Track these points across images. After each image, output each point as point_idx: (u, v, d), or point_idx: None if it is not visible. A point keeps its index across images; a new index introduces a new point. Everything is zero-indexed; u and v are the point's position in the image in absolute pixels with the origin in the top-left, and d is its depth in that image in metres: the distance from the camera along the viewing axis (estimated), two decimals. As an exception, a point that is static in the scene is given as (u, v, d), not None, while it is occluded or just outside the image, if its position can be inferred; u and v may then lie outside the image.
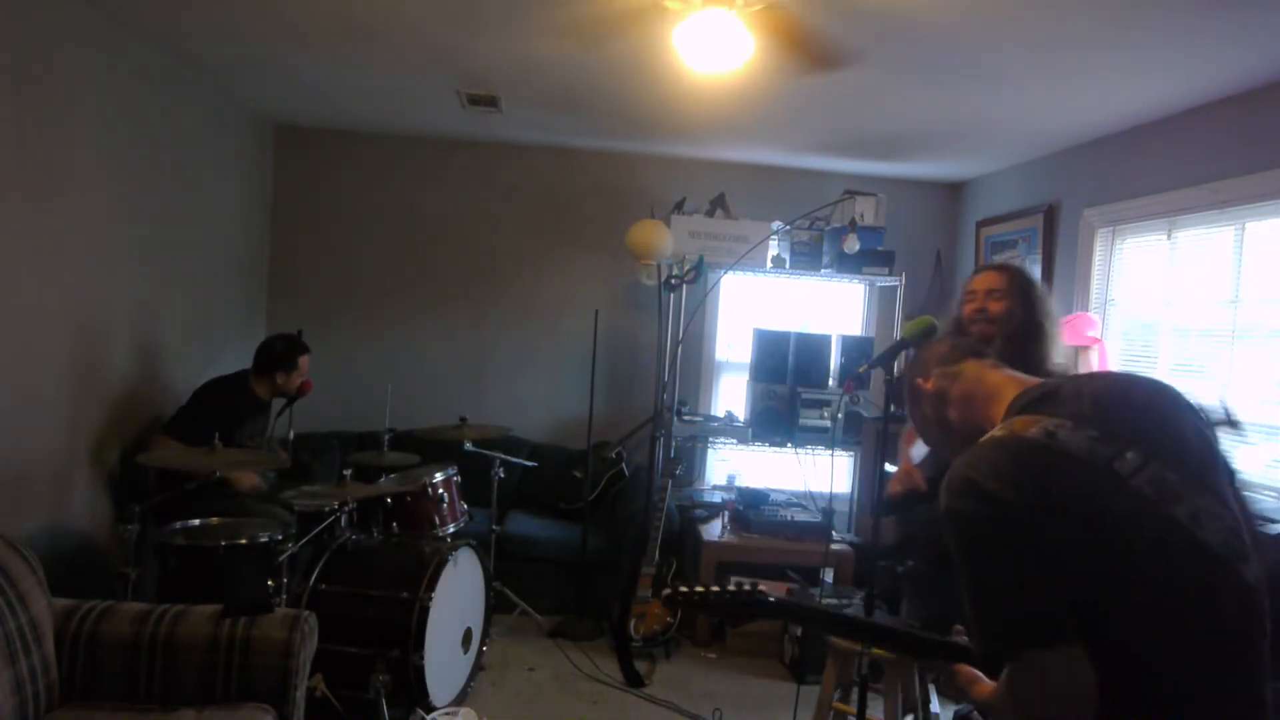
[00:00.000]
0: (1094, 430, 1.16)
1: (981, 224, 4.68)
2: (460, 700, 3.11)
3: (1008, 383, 1.36)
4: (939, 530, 2.27)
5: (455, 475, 3.61)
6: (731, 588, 1.42)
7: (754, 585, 1.43)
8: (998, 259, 4.49)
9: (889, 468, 2.64)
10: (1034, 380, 1.35)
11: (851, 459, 4.66)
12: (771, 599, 1.43)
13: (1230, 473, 1.25)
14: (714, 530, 4.17)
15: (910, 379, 1.51)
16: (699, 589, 1.41)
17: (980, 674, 1.31)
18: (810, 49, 2.84)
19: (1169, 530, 1.11)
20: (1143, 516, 1.12)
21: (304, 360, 3.55)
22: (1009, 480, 1.13)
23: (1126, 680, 1.09)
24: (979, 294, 2.34)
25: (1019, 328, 2.21)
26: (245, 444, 3.44)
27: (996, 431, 1.23)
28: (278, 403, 3.55)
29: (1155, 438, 1.18)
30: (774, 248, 4.54)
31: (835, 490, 3.91)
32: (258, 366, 3.51)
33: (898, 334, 4.49)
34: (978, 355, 1.45)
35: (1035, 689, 1.13)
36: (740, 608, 1.43)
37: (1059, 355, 2.27)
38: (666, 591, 1.43)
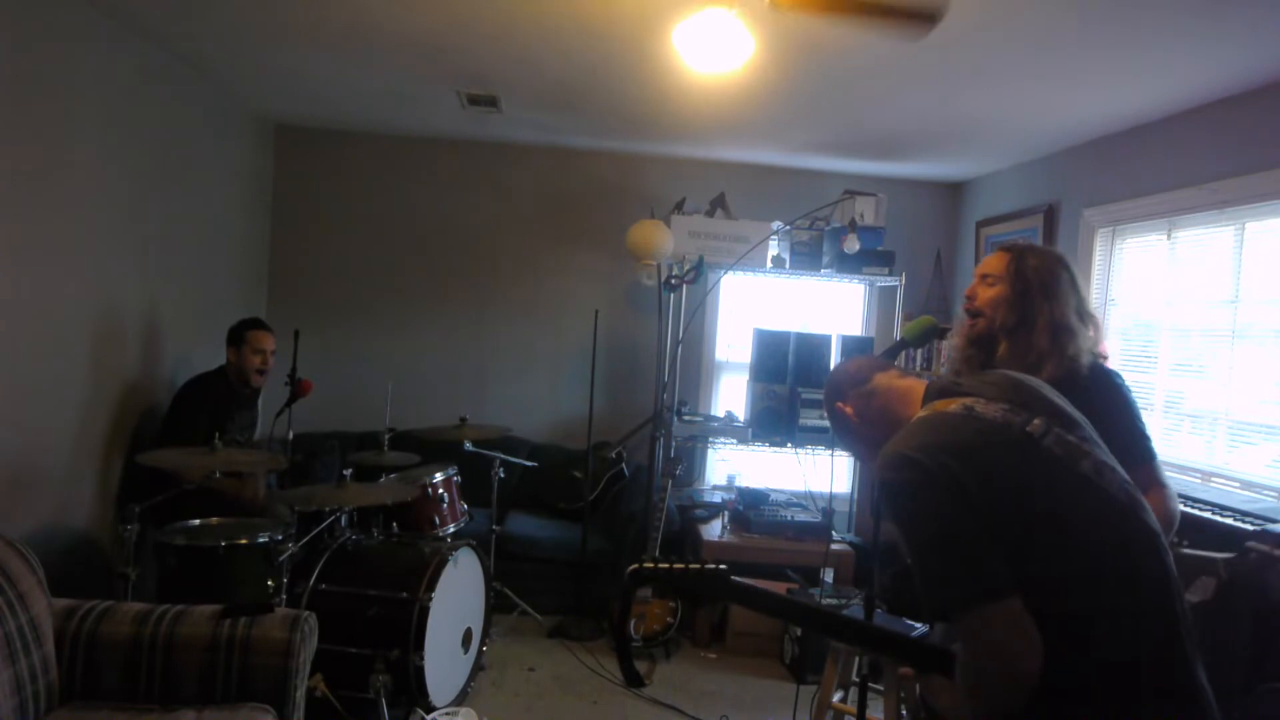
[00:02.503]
0: (1004, 404, 1.30)
1: (981, 224, 4.68)
2: (460, 700, 3.11)
3: (916, 385, 1.45)
4: None
5: (455, 475, 3.61)
6: (696, 565, 1.43)
7: (718, 565, 1.44)
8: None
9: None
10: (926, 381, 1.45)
11: (851, 459, 4.66)
12: (734, 580, 1.45)
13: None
14: (714, 530, 4.17)
15: (830, 407, 1.55)
16: (664, 564, 1.42)
17: (948, 682, 1.32)
18: (810, 48, 2.84)
19: (1081, 484, 1.23)
20: (1058, 472, 1.23)
21: (254, 335, 3.48)
22: (937, 448, 1.22)
23: (1060, 627, 1.14)
24: (975, 279, 2.02)
25: (1017, 321, 1.88)
26: (237, 439, 3.43)
27: (920, 413, 1.35)
28: (277, 403, 3.54)
29: (1051, 408, 1.33)
30: (774, 248, 4.54)
31: (835, 490, 3.90)
32: (226, 347, 3.53)
33: (898, 334, 4.49)
34: (882, 368, 1.53)
35: (986, 649, 1.15)
36: (702, 586, 1.44)
37: (1088, 352, 1.88)
38: (633, 567, 1.42)
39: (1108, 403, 1.78)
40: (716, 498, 4.60)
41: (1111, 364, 3.47)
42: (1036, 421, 1.27)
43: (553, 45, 3.05)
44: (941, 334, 2.38)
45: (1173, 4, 2.37)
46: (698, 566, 1.43)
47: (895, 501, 1.24)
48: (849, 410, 1.50)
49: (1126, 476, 1.29)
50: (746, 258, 4.34)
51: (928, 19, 2.10)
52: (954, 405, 1.30)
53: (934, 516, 1.19)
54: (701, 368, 4.97)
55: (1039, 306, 1.87)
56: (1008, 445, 1.24)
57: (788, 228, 4.53)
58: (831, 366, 4.48)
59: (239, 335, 3.49)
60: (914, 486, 1.21)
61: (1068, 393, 1.70)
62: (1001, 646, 1.13)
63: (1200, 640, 1.23)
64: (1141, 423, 1.87)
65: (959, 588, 1.16)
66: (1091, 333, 1.90)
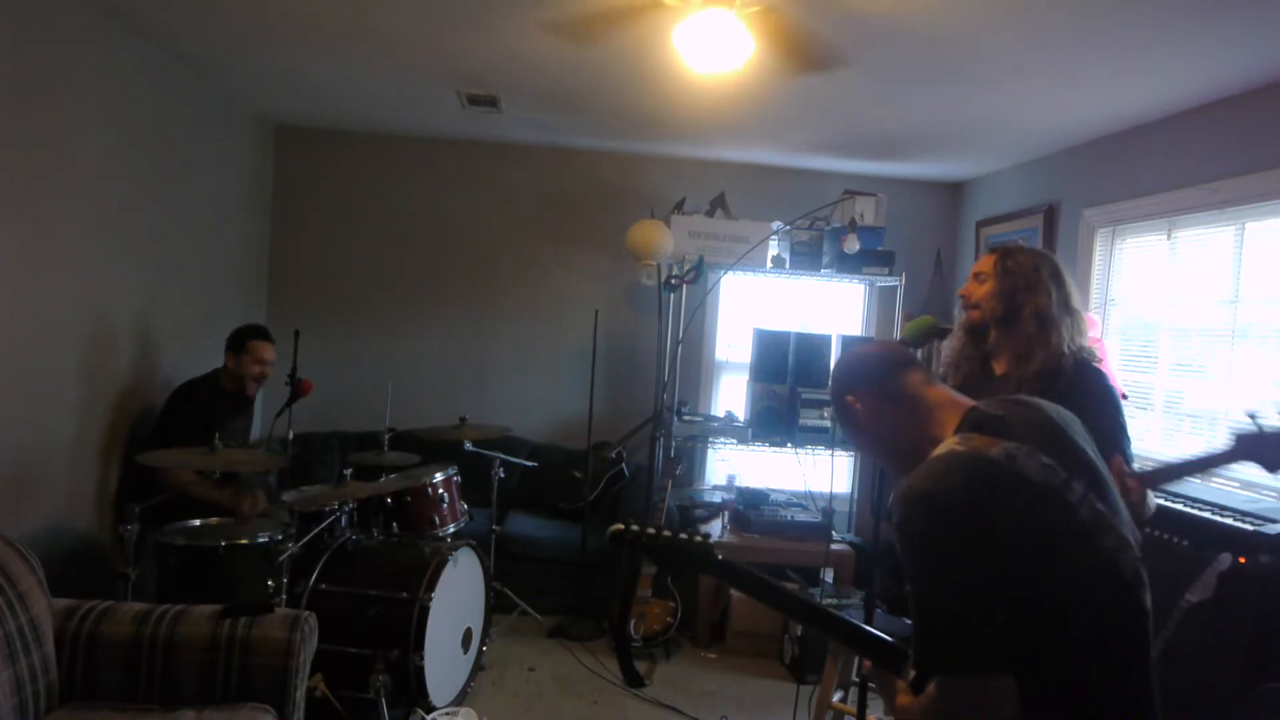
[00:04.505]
0: (1047, 457, 1.18)
1: (981, 224, 4.68)
2: (460, 700, 3.10)
3: (946, 401, 1.33)
4: None
5: (455, 475, 3.61)
6: (684, 535, 1.34)
7: (706, 537, 1.36)
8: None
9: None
10: (967, 401, 1.33)
11: (851, 459, 4.67)
12: (719, 557, 1.35)
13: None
14: (714, 530, 4.17)
15: (837, 397, 1.42)
16: (650, 530, 1.33)
17: (902, 682, 1.29)
18: (810, 49, 2.84)
19: (1100, 561, 1.16)
20: (1084, 546, 1.16)
21: (254, 345, 3.46)
22: (970, 497, 1.14)
23: (1038, 701, 1.11)
24: (969, 278, 2.25)
25: (1006, 312, 2.08)
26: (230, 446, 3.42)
27: (957, 446, 1.21)
28: (277, 403, 3.53)
29: (1088, 468, 1.22)
30: (774, 248, 4.54)
31: (835, 490, 3.90)
32: (225, 352, 3.51)
33: (898, 334, 4.48)
34: (909, 367, 1.39)
35: (966, 711, 1.12)
36: (685, 560, 1.35)
37: (1070, 342, 2.04)
38: (616, 527, 1.34)
39: (1090, 395, 1.90)
40: (716, 498, 4.60)
41: (1111, 364, 3.50)
42: (1075, 486, 1.18)
43: (553, 45, 3.05)
44: (942, 334, 2.38)
45: (1173, 4, 2.37)
46: (684, 537, 1.34)
47: (911, 546, 1.15)
48: (858, 407, 1.38)
49: (1138, 554, 1.21)
50: (746, 258, 4.34)
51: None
52: (997, 449, 1.17)
53: (949, 572, 1.12)
54: (701, 368, 4.97)
55: (1023, 299, 2.05)
56: (1042, 509, 1.15)
57: (788, 228, 4.53)
58: (832, 366, 4.47)
59: (240, 343, 3.46)
60: (935, 536, 1.13)
61: (1053, 383, 1.72)
62: (980, 717, 1.11)
63: (1200, 640, 1.23)
64: (1122, 418, 1.97)
65: (955, 651, 1.11)
66: (1075, 324, 2.06)
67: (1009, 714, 1.10)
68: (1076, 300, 2.09)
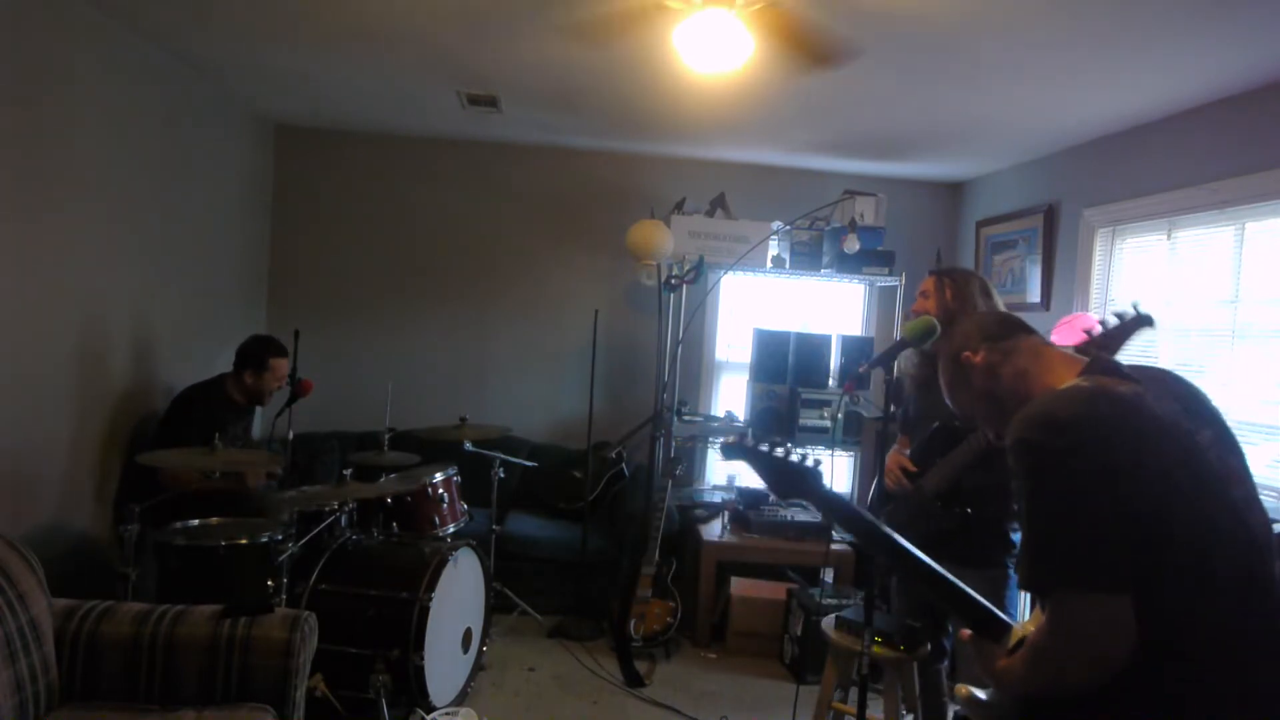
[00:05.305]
0: (1178, 404, 1.21)
1: (981, 224, 4.68)
2: (460, 700, 3.11)
3: (1065, 359, 1.36)
4: (920, 520, 2.27)
5: (455, 475, 3.61)
6: (792, 457, 1.43)
7: (817, 461, 1.43)
8: (997, 259, 4.50)
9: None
10: (1084, 358, 1.35)
11: (851, 459, 4.66)
12: (822, 485, 1.43)
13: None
14: (714, 530, 4.17)
15: (953, 352, 1.46)
16: (763, 446, 1.42)
17: (997, 648, 1.29)
18: (810, 49, 2.84)
19: (1228, 509, 1.15)
20: (1211, 488, 1.15)
21: (276, 363, 3.45)
22: (1095, 420, 1.14)
23: (1160, 645, 1.09)
24: (918, 296, 2.72)
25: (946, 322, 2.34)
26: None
27: (1081, 382, 1.23)
28: (277, 403, 3.54)
29: (1219, 425, 1.24)
30: (774, 248, 4.54)
31: (835, 490, 3.89)
32: (235, 365, 3.49)
33: (898, 334, 4.48)
34: (1029, 331, 1.44)
35: (1073, 636, 1.11)
36: (787, 479, 1.43)
37: None
38: (729, 439, 1.43)
39: None
40: (716, 498, 4.60)
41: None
42: (1206, 433, 1.19)
43: (553, 45, 3.05)
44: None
45: (1173, 4, 2.37)
46: (796, 459, 1.42)
47: (1029, 462, 1.15)
48: (978, 360, 1.41)
49: (1267, 518, 1.21)
50: (746, 258, 4.34)
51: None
52: (1125, 387, 1.19)
53: (1068, 489, 1.11)
54: (701, 368, 4.97)
55: (957, 313, 2.46)
56: (1169, 444, 1.14)
57: (788, 228, 4.53)
58: (831, 366, 4.48)
59: (262, 361, 3.44)
60: (1057, 452, 1.13)
61: None
62: (1094, 639, 1.09)
63: None
64: None
65: (1074, 567, 1.10)
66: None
67: (1126, 638, 1.08)
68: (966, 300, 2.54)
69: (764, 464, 1.42)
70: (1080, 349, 2.24)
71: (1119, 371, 1.25)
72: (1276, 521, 2.35)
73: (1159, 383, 1.25)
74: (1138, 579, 1.08)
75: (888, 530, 1.42)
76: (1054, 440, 1.13)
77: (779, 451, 1.42)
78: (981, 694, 1.39)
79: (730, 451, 1.41)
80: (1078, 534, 1.10)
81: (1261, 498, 1.27)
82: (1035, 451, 1.15)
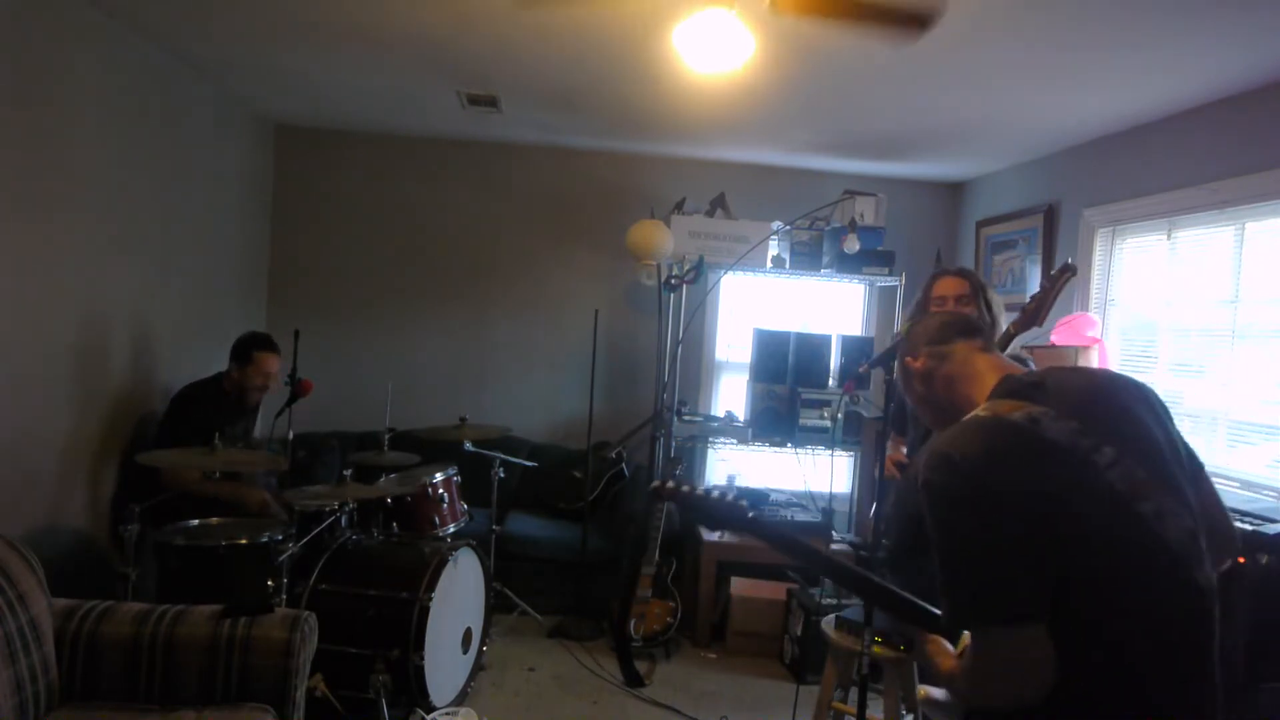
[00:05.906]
0: (1075, 422, 1.19)
1: (981, 224, 4.68)
2: (460, 700, 3.11)
3: (992, 368, 1.37)
4: (909, 507, 2.29)
5: (455, 475, 3.61)
6: (716, 494, 1.46)
7: (738, 498, 1.47)
8: (997, 259, 4.49)
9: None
10: (1018, 367, 1.37)
11: (851, 459, 4.66)
12: (750, 514, 1.48)
13: (1197, 467, 1.30)
14: (714, 530, 4.17)
15: (900, 357, 1.51)
16: (686, 487, 1.45)
17: (950, 648, 1.33)
18: (812, 47, 2.84)
19: (1134, 526, 1.15)
20: (1113, 509, 1.15)
21: (262, 357, 3.44)
22: (987, 457, 1.17)
23: (1080, 665, 1.12)
24: (949, 299, 2.57)
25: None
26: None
27: (980, 412, 1.26)
28: (277, 403, 3.53)
29: (1130, 435, 1.22)
30: (774, 248, 4.54)
31: (835, 490, 3.90)
32: (230, 359, 3.50)
33: (898, 334, 4.48)
34: (967, 335, 1.44)
35: (994, 664, 1.15)
36: (718, 515, 1.48)
37: (1011, 348, 2.55)
38: (656, 484, 1.46)
39: None
40: (716, 498, 4.59)
41: (1112, 364, 3.50)
42: (1106, 450, 1.17)
43: (553, 45, 3.05)
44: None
45: (1173, 4, 2.37)
46: (718, 495, 1.45)
47: (933, 504, 1.19)
48: (918, 366, 1.44)
49: (1193, 524, 1.19)
50: (746, 258, 4.34)
51: (921, 23, 2.16)
52: (1018, 413, 1.20)
53: (969, 529, 1.15)
54: (701, 368, 4.97)
55: (996, 316, 2.61)
56: (1065, 470, 1.16)
57: (788, 228, 4.53)
58: (831, 366, 4.49)
59: (246, 354, 3.43)
60: (954, 494, 1.16)
61: None
62: (1014, 667, 1.12)
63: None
64: None
65: (982, 604, 1.14)
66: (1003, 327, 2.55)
67: (1046, 663, 1.11)
68: (998, 309, 2.64)
69: (690, 505, 1.50)
70: (1018, 322, 2.42)
71: (1023, 391, 1.26)
72: (1276, 522, 2.36)
73: (1069, 395, 1.24)
74: (1049, 605, 1.11)
75: (818, 548, 1.51)
76: (951, 481, 1.16)
77: (714, 493, 1.47)
78: (938, 694, 1.42)
79: (653, 499, 1.50)
80: (986, 571, 1.14)
81: (1211, 489, 1.31)
82: (935, 493, 1.18)
